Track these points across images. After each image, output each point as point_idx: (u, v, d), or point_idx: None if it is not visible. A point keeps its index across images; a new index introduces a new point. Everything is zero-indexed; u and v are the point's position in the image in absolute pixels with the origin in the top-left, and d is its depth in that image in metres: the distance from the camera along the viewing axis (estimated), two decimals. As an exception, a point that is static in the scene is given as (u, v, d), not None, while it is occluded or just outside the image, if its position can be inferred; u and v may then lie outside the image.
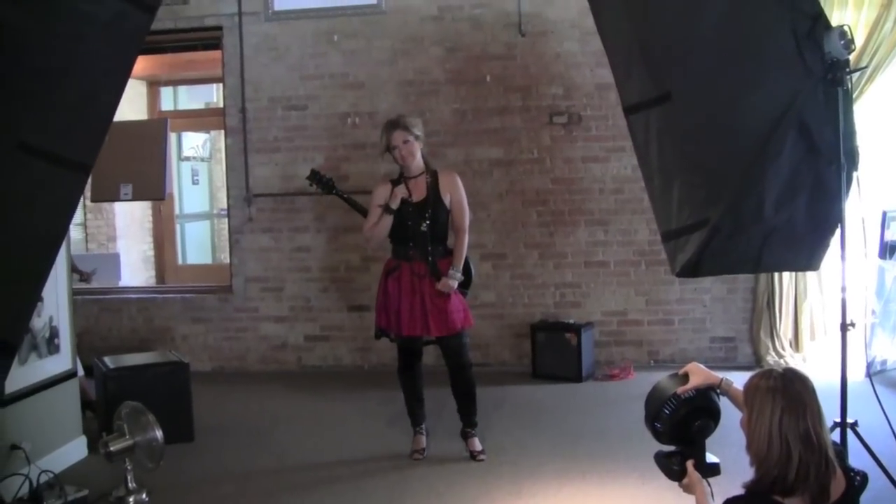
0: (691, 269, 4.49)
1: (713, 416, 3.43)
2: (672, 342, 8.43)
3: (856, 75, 6.58)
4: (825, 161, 4.31)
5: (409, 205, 5.76)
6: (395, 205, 5.74)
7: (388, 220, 5.78)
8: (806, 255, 4.60)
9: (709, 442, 3.44)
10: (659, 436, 3.47)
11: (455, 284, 5.79)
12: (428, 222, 5.76)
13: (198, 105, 11.78)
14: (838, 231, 4.43)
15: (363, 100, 8.58)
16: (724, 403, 3.45)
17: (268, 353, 8.85)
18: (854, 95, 5.53)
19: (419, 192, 5.81)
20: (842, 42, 4.21)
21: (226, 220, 9.26)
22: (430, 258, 5.77)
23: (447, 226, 5.90)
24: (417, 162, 5.82)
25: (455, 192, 5.88)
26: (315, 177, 6.15)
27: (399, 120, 5.82)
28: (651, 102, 4.47)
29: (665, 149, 4.49)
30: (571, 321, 8.20)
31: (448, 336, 5.81)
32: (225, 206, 9.28)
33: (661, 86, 4.42)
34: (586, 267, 8.47)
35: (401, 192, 5.76)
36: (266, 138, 8.71)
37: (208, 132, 11.97)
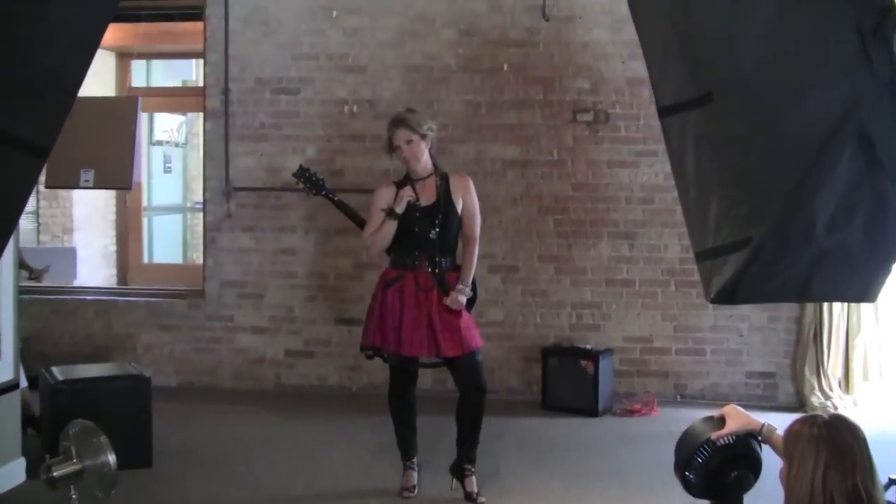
0: (728, 295, 4.44)
1: (752, 467, 3.41)
2: (702, 375, 8.40)
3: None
4: (888, 177, 4.26)
5: (416, 209, 5.76)
6: (400, 209, 5.73)
7: (392, 227, 5.76)
8: (861, 285, 4.54)
9: (747, 497, 3.41)
10: (690, 487, 3.45)
11: (465, 300, 5.79)
12: (438, 229, 5.76)
13: (174, 83, 11.81)
14: (900, 258, 4.39)
15: (364, 86, 8.56)
16: (765, 453, 3.42)
17: (243, 369, 8.83)
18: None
19: (428, 196, 5.81)
20: (915, 41, 4.18)
21: (200, 215, 9.25)
22: (438, 269, 5.76)
23: (458, 234, 5.90)
24: (425, 163, 5.83)
25: (468, 197, 5.90)
26: (303, 174, 6.09)
27: (403, 117, 5.81)
28: (690, 104, 4.43)
29: (703, 157, 4.45)
30: (589, 346, 8.18)
31: (462, 355, 5.78)
32: (200, 199, 9.27)
33: (701, 85, 4.38)
34: (608, 285, 8.46)
35: (407, 194, 5.75)
36: (251, 124, 8.70)
37: (185, 114, 11.98)
